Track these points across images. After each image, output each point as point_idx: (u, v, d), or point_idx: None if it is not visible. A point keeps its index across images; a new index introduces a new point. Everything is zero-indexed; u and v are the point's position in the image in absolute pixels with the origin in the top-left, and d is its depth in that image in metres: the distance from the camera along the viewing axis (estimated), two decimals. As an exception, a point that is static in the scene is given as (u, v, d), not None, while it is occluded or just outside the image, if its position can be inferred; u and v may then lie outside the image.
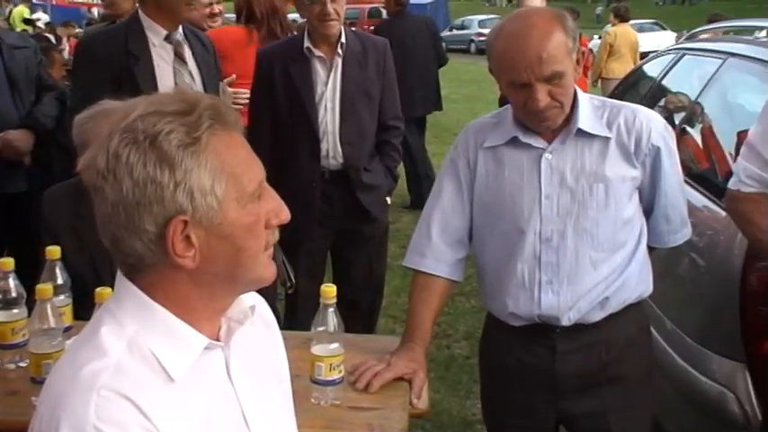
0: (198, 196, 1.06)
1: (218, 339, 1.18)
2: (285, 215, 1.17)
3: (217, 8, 4.40)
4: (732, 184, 2.13)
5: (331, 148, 3.20)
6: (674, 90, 4.26)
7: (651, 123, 1.93)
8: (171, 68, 2.91)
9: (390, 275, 4.63)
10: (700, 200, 2.73)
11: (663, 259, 2.33)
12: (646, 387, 2.05)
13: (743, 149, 2.12)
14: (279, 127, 3.23)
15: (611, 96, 5.45)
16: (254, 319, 1.26)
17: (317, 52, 3.17)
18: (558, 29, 1.79)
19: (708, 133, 3.36)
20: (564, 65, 1.79)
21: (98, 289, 1.80)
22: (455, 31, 30.06)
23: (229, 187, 1.08)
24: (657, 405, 2.10)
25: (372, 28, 9.13)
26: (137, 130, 1.05)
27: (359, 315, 3.36)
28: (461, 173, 2.01)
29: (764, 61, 2.96)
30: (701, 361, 2.51)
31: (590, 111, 1.92)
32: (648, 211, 2.01)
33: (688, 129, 3.48)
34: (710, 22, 6.97)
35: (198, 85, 2.94)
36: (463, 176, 2.01)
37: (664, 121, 2.01)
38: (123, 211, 1.05)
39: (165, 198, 1.04)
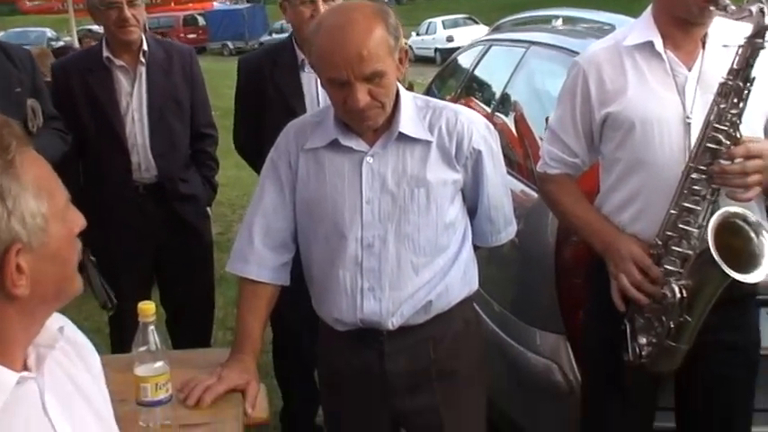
0: (29, 220, 1.01)
1: (26, 369, 1.10)
2: (83, 220, 1.14)
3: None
4: (539, 167, 2.23)
5: (142, 160, 3.08)
6: (485, 80, 4.43)
7: (473, 126, 1.93)
8: None
9: (225, 286, 4.53)
10: (516, 185, 2.85)
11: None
12: (477, 379, 2.07)
13: (546, 134, 2.23)
14: (85, 143, 3.08)
15: (428, 87, 5.64)
16: (62, 343, 1.19)
17: (119, 62, 3.04)
18: (380, 26, 1.76)
19: (520, 120, 3.51)
20: (385, 64, 1.76)
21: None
22: (275, 36, 29.99)
23: (50, 204, 1.05)
24: (490, 387, 2.15)
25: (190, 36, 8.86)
26: None
27: (191, 331, 3.27)
28: (283, 174, 1.97)
29: (561, 48, 3.14)
30: (526, 337, 2.61)
31: (413, 112, 1.91)
32: (472, 211, 2.03)
33: (501, 117, 3.62)
34: None
35: None
36: (285, 178, 1.97)
37: (486, 122, 2.02)
38: None
39: (0, 229, 0.99)
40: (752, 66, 1.83)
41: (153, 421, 1.72)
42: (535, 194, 2.65)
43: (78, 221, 1.13)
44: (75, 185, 3.11)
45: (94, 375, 1.29)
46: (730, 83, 1.85)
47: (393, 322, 1.92)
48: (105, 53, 3.03)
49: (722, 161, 1.85)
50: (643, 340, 1.96)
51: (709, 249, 1.79)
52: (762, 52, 1.83)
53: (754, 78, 1.84)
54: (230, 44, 32.67)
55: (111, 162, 3.06)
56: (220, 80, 10.55)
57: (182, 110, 3.16)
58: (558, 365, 2.47)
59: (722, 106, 1.85)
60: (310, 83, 2.86)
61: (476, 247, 2.07)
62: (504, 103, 3.72)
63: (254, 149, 2.84)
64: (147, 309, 1.72)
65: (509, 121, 3.57)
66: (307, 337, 2.32)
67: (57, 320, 1.18)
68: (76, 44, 8.20)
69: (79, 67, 3.09)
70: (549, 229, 2.51)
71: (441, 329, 1.98)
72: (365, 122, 1.85)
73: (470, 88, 4.56)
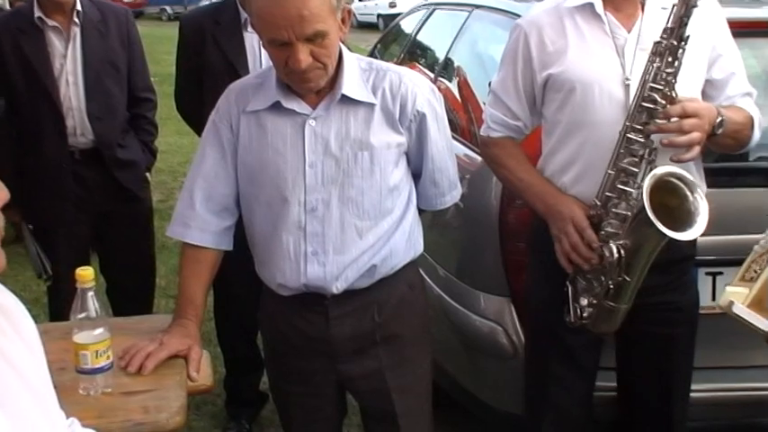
0: None
1: None
2: (4, 193, 1.05)
3: None
4: (482, 131, 2.23)
5: (78, 125, 2.99)
6: (428, 45, 4.41)
7: (416, 88, 1.91)
8: None
9: (168, 254, 4.48)
10: (460, 149, 2.85)
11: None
12: (421, 342, 2.08)
13: (489, 97, 2.22)
14: (17, 107, 2.99)
15: (371, 53, 5.60)
16: None
17: (51, 22, 2.94)
18: None
19: (463, 84, 3.51)
20: (327, 24, 1.73)
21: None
22: (214, 0, 29.32)
23: None
24: (436, 351, 2.17)
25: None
26: None
27: (132, 300, 3.22)
28: (224, 138, 1.93)
29: (504, 11, 3.13)
30: (471, 301, 2.63)
31: (356, 74, 1.88)
32: (417, 175, 2.02)
33: (445, 81, 3.61)
34: None
35: None
36: (226, 141, 1.93)
37: (431, 85, 2.00)
38: None
39: None
40: (686, 24, 1.85)
41: (93, 389, 1.69)
42: (479, 158, 2.66)
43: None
44: (8, 151, 3.03)
45: (25, 339, 1.24)
46: (665, 42, 1.87)
47: (337, 286, 1.91)
48: (37, 13, 2.93)
49: (659, 120, 1.87)
50: (584, 301, 1.98)
51: (644, 209, 1.81)
52: (698, 12, 1.85)
53: (688, 37, 1.86)
54: (168, 9, 31.86)
55: (45, 126, 2.97)
56: (159, 45, 10.35)
57: (119, 73, 3.08)
58: (502, 328, 2.50)
59: (657, 65, 1.87)
60: (253, 43, 2.81)
61: (420, 211, 2.07)
62: (448, 68, 3.71)
63: (197, 113, 2.75)
64: (86, 275, 1.68)
65: (452, 86, 3.57)
66: (249, 303, 2.30)
67: None
68: (7, 6, 7.88)
69: (9, 28, 2.97)
70: (493, 192, 2.52)
71: (385, 293, 1.97)
72: (307, 84, 1.82)
73: (413, 53, 4.54)
